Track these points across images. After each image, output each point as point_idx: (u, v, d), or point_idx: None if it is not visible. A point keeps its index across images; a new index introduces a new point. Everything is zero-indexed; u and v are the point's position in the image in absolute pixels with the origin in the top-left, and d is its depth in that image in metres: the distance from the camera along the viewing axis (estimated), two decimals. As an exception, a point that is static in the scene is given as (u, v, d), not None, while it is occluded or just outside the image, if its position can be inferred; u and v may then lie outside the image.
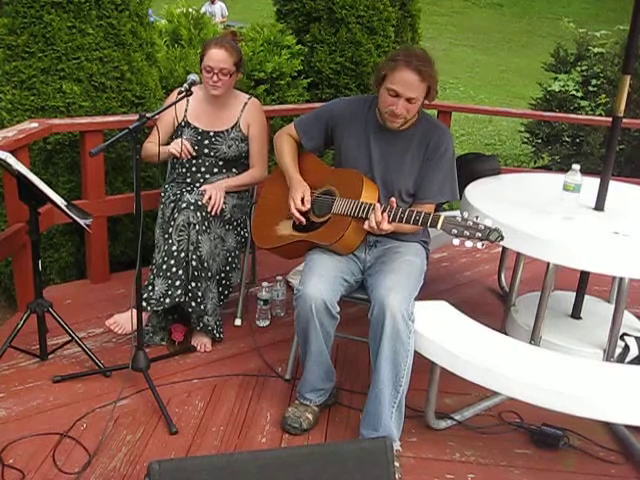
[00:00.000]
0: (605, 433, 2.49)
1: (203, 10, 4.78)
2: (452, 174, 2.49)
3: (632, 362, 2.75)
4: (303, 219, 2.50)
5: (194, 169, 3.02)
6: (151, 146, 2.93)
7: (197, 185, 2.99)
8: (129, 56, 3.47)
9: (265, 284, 3.16)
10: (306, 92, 4.70)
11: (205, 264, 2.76)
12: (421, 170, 2.46)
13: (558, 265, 2.63)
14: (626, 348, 2.78)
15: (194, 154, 2.93)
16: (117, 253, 3.64)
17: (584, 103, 6.79)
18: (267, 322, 3.16)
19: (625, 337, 2.81)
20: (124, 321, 2.73)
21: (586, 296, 3.12)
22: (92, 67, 3.34)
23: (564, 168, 5.01)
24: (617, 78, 5.89)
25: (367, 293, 2.41)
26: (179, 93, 2.52)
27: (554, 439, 2.39)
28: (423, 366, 2.34)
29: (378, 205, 2.27)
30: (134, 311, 2.48)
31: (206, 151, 2.99)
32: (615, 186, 2.86)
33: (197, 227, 2.73)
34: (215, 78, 2.84)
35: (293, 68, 4.56)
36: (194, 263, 2.73)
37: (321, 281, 2.29)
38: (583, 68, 6.98)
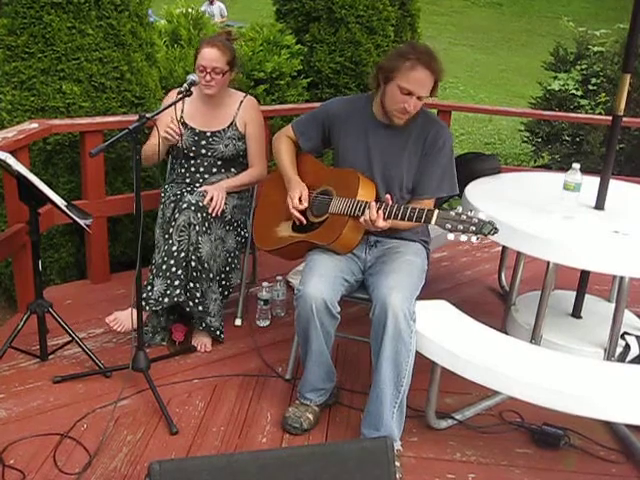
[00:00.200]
0: (606, 432, 2.49)
1: (202, 10, 4.79)
2: (451, 168, 2.48)
3: (633, 361, 2.75)
4: (302, 218, 2.50)
5: (193, 169, 3.01)
6: (149, 146, 2.92)
7: (197, 185, 2.99)
8: (129, 56, 3.47)
9: (265, 284, 3.16)
10: (306, 92, 4.70)
11: (205, 265, 2.76)
12: (420, 165, 2.46)
13: (558, 264, 2.63)
14: (627, 347, 2.78)
15: (181, 132, 2.84)
16: (117, 253, 3.64)
17: (584, 102, 6.79)
18: (267, 322, 3.16)
19: (626, 336, 2.81)
20: (124, 318, 2.74)
21: (586, 295, 3.12)
22: (92, 67, 3.34)
23: (564, 167, 5.01)
24: (617, 77, 5.88)
25: (368, 293, 2.41)
26: (179, 93, 2.52)
27: (555, 438, 2.39)
28: (423, 366, 2.34)
29: (373, 203, 2.27)
30: (134, 311, 2.48)
31: (203, 151, 2.98)
32: (615, 185, 2.86)
33: (197, 228, 2.73)
34: (208, 77, 2.84)
35: (293, 68, 4.56)
36: (193, 264, 2.73)
37: (321, 281, 2.29)
38: (583, 67, 6.98)
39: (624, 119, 2.90)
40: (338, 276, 2.36)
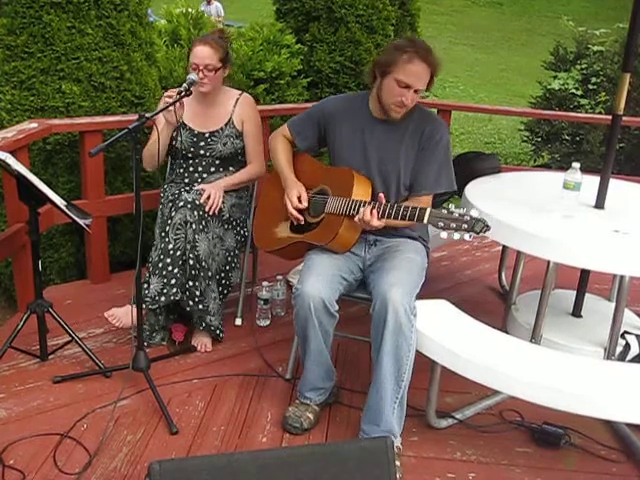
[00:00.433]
0: (606, 431, 2.48)
1: (200, 10, 4.83)
2: (448, 163, 2.48)
3: (633, 360, 2.75)
4: (302, 218, 2.50)
5: (191, 169, 3.01)
6: (148, 149, 2.89)
7: (195, 185, 2.98)
8: (128, 56, 3.47)
9: (265, 283, 3.16)
10: (306, 91, 4.71)
11: (203, 263, 2.76)
12: (417, 160, 2.46)
13: (558, 263, 2.63)
14: (627, 346, 2.78)
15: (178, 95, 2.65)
16: (117, 253, 3.64)
17: (584, 101, 6.79)
18: (267, 322, 3.16)
19: (626, 335, 2.81)
20: (121, 314, 2.74)
21: (587, 294, 3.12)
22: (91, 67, 3.34)
23: (564, 166, 5.01)
24: (617, 76, 5.87)
25: (368, 291, 2.41)
26: (178, 93, 2.51)
27: (555, 438, 2.39)
28: (424, 365, 2.34)
29: (367, 203, 2.27)
30: (134, 310, 2.48)
31: (202, 152, 2.98)
32: (615, 184, 2.86)
33: (194, 226, 2.72)
34: (201, 75, 2.84)
35: (293, 67, 4.56)
36: (191, 262, 2.73)
37: (319, 280, 2.29)
38: (583, 66, 6.98)
39: (624, 118, 2.90)
40: (336, 275, 2.36)
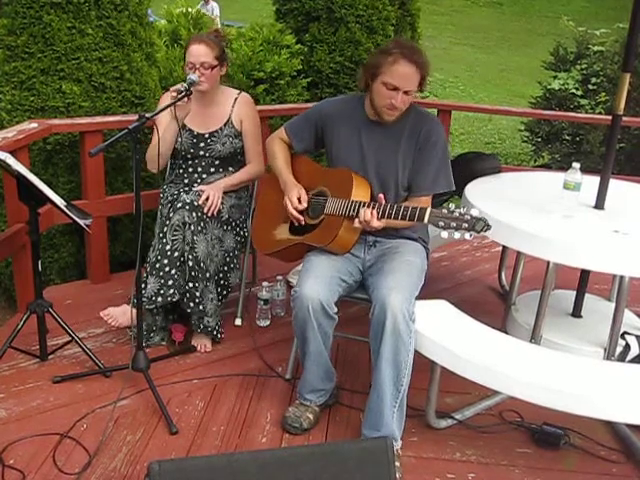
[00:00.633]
0: (606, 432, 2.48)
1: (198, 10, 4.88)
2: (446, 163, 2.48)
3: (633, 361, 2.75)
4: (302, 218, 2.50)
5: (191, 170, 3.01)
6: (152, 150, 2.88)
7: (194, 185, 2.98)
8: (128, 56, 3.47)
9: (265, 284, 3.16)
10: (306, 92, 4.71)
11: (202, 264, 2.76)
12: (414, 162, 2.45)
13: (558, 264, 2.63)
14: (627, 347, 2.78)
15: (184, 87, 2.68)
16: (117, 253, 3.64)
17: (584, 101, 6.79)
18: (267, 322, 3.16)
19: (626, 336, 2.81)
20: (118, 314, 2.75)
21: (586, 295, 3.12)
22: (92, 67, 3.34)
23: (564, 166, 5.00)
24: (617, 76, 5.86)
25: (367, 293, 2.41)
26: (178, 92, 2.51)
27: (555, 438, 2.39)
28: (423, 365, 2.34)
29: (367, 203, 2.27)
30: (134, 311, 2.48)
31: (202, 153, 2.98)
32: (615, 184, 2.86)
33: (192, 227, 2.72)
34: (198, 73, 2.84)
35: (293, 68, 4.56)
36: (190, 263, 2.73)
37: (317, 282, 2.29)
38: (583, 66, 6.98)
39: (624, 118, 2.90)
40: (335, 277, 2.35)
